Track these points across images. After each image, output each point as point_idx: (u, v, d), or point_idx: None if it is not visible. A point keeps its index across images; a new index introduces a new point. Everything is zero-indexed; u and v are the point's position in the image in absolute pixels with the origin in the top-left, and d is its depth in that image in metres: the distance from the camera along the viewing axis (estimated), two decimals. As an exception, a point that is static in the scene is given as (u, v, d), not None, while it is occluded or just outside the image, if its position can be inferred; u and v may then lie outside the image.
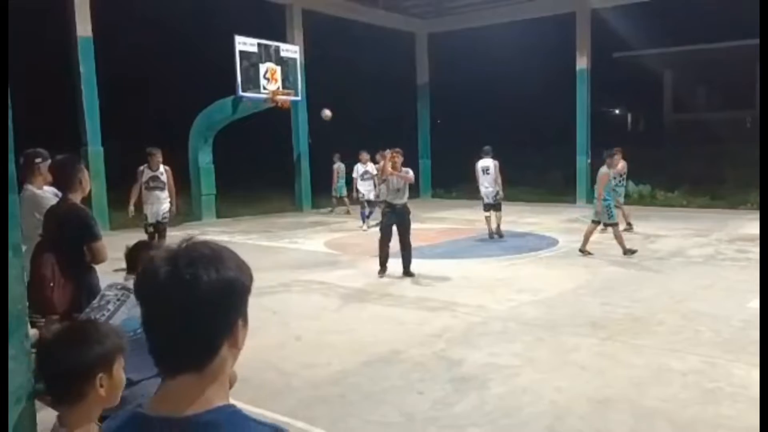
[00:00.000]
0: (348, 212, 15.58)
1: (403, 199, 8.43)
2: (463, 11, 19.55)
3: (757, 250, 10.33)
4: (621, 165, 11.61)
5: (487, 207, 11.80)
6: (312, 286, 8.06)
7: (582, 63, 18.11)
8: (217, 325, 1.05)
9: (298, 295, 7.58)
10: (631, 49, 24.89)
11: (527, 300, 7.12)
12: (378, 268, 8.53)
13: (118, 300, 3.19)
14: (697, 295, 7.29)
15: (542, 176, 20.29)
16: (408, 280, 8.37)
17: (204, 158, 14.63)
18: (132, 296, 3.17)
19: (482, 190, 11.79)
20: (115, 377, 1.75)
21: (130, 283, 3.25)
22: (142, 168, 9.00)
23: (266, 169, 16.87)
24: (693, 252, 10.28)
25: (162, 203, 8.88)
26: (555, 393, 4.45)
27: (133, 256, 3.39)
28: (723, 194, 17.45)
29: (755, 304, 6.70)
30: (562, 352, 5.36)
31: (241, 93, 12.87)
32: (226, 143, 15.18)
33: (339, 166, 15.71)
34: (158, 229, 8.89)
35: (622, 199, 11.95)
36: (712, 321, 6.14)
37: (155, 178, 8.93)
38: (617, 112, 35.79)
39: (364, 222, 13.22)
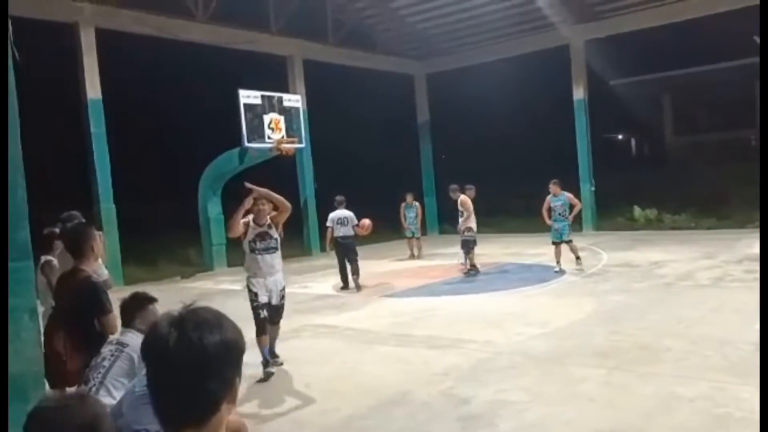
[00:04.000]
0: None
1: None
2: (459, 51, 20.01)
3: None
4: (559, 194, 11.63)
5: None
6: (320, 330, 8.15)
7: (579, 93, 18.40)
8: (220, 384, 1.16)
9: (307, 341, 7.65)
10: (628, 76, 25.25)
11: (535, 333, 7.17)
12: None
13: (112, 355, 3.32)
14: (704, 320, 7.31)
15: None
16: (417, 318, 8.43)
17: (213, 209, 14.89)
18: (126, 350, 3.29)
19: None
20: None
21: (126, 337, 3.37)
22: (246, 219, 6.20)
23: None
24: (700, 275, 10.29)
25: (277, 272, 6.32)
26: (563, 426, 4.49)
27: (128, 308, 3.49)
28: (730, 214, 17.44)
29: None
30: (570, 384, 5.40)
31: (246, 144, 13.17)
32: (234, 193, 15.45)
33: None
34: (273, 313, 6.33)
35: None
36: (720, 345, 6.15)
37: (264, 237, 6.19)
38: (620, 137, 36.02)
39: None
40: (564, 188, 11.99)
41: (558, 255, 11.51)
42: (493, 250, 14.67)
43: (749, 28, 16.23)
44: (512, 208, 21.05)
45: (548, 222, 11.70)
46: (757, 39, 15.92)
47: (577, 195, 18.53)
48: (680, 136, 30.64)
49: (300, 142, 14.54)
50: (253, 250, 6.18)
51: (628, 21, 17.28)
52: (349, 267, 11.01)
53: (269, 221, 6.25)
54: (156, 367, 1.16)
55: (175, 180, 19.66)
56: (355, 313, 9.20)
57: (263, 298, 6.20)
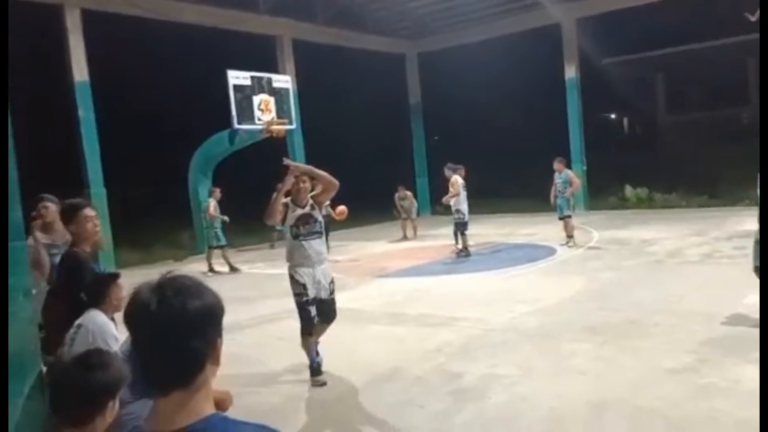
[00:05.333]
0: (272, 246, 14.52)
1: None
2: (450, 30, 19.90)
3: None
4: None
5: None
6: (315, 310, 8.21)
7: (571, 72, 18.39)
8: (202, 343, 1.21)
9: (303, 320, 7.71)
10: (620, 54, 25.22)
11: (525, 310, 7.26)
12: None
13: (71, 339, 3.37)
14: (692, 295, 7.42)
15: (540, 186, 20.45)
16: (410, 298, 8.51)
17: (204, 192, 14.84)
18: (81, 330, 3.34)
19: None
20: (114, 407, 1.90)
21: (85, 318, 3.41)
22: (285, 200, 5.33)
23: (266, 198, 17.08)
24: (690, 252, 10.41)
25: (325, 260, 5.52)
26: (553, 399, 4.58)
27: (92, 289, 3.52)
28: (721, 192, 17.56)
29: (751, 299, 6.82)
30: (560, 358, 5.50)
31: (236, 125, 13.13)
32: (225, 175, 15.40)
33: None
34: (326, 309, 5.47)
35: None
36: (706, 319, 6.26)
37: (307, 221, 5.34)
38: (613, 117, 36.04)
39: None
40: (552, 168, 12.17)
41: (566, 229, 11.97)
42: (485, 231, 14.76)
43: (740, 5, 16.24)
44: (505, 189, 21.14)
45: (551, 201, 12.15)
46: (749, 16, 15.98)
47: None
48: (672, 114, 30.72)
49: (290, 123, 14.50)
50: (297, 236, 5.29)
51: (619, -1, 17.24)
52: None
53: (311, 201, 5.39)
54: (139, 332, 1.21)
55: (166, 163, 19.57)
56: (349, 293, 9.23)
57: (312, 292, 5.30)
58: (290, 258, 5.37)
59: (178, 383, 1.20)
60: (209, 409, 1.22)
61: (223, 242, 12.18)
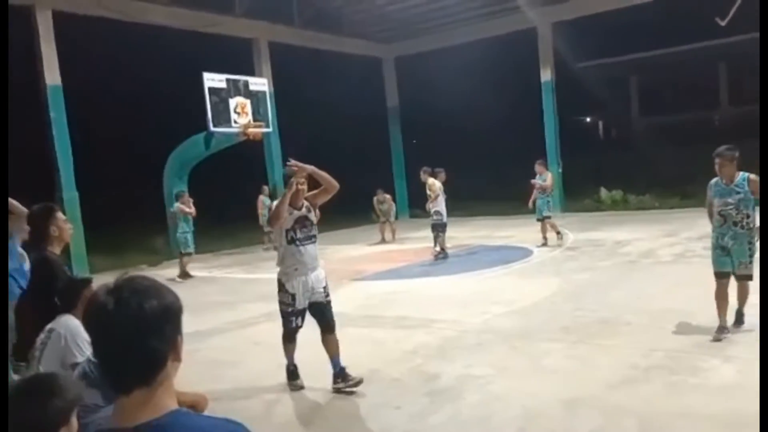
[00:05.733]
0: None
1: None
2: (427, 34, 19.97)
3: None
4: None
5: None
6: (292, 313, 8.18)
7: (546, 75, 18.58)
8: (161, 341, 1.23)
9: (279, 325, 7.66)
10: (595, 58, 25.57)
11: (501, 312, 7.31)
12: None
13: (42, 344, 3.33)
14: (664, 294, 7.53)
15: (517, 188, 20.62)
16: (388, 300, 8.52)
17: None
18: (53, 334, 3.31)
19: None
20: (72, 425, 1.74)
21: (57, 322, 3.38)
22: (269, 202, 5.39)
23: (242, 202, 16.97)
24: (663, 252, 10.57)
25: (319, 265, 5.22)
26: (527, 398, 4.62)
27: (65, 295, 3.50)
28: (694, 193, 17.80)
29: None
30: (535, 358, 5.54)
31: (212, 128, 13.04)
32: (200, 179, 15.27)
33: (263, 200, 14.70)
34: (323, 313, 5.18)
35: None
36: (678, 318, 6.35)
37: (304, 224, 5.07)
38: (588, 119, 36.49)
39: None
40: (532, 169, 12.32)
41: (554, 228, 12.26)
42: (463, 233, 14.83)
43: (712, 10, 16.54)
44: (482, 191, 21.27)
45: (530, 204, 12.47)
46: (720, 21, 16.29)
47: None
48: (645, 117, 31.21)
49: (267, 126, 14.43)
50: (292, 241, 4.94)
51: (594, 3, 17.45)
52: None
53: (306, 203, 5.08)
54: (99, 334, 1.23)
55: (140, 166, 19.37)
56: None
57: (301, 303, 5.02)
58: (282, 263, 5.05)
59: (139, 381, 1.21)
60: (172, 405, 1.24)
61: (191, 249, 11.93)
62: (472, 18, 18.88)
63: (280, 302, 5.11)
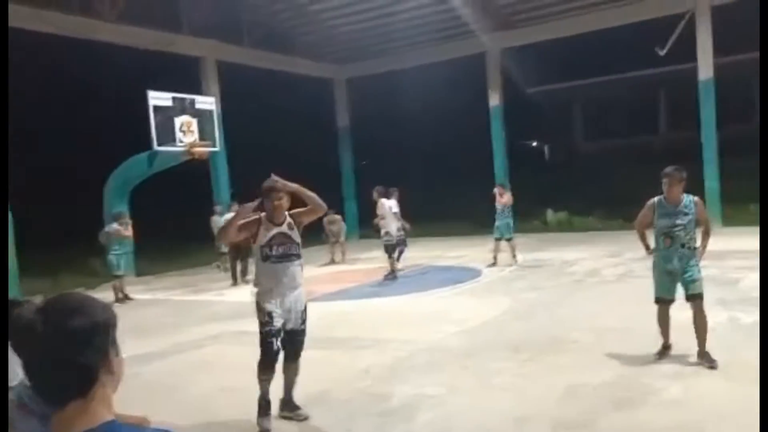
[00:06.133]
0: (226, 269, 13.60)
1: None
2: (379, 56, 20.16)
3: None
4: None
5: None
6: (240, 336, 7.95)
7: (495, 100, 18.97)
8: (93, 358, 1.22)
9: (227, 347, 7.47)
10: (542, 84, 26.30)
11: (452, 331, 7.30)
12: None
13: None
14: (609, 313, 7.68)
15: (466, 210, 20.88)
16: (338, 321, 8.41)
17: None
18: None
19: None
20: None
21: None
22: (256, 216, 4.79)
23: (188, 223, 16.57)
24: (607, 272, 10.83)
25: (299, 286, 4.87)
26: (478, 416, 4.60)
27: None
28: (635, 215, 18.37)
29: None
30: (485, 377, 5.54)
31: (156, 147, 12.73)
32: (143, 198, 14.85)
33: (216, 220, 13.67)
34: (293, 341, 4.82)
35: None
36: (622, 335, 6.48)
37: (283, 241, 4.75)
38: (535, 144, 37.35)
39: None
40: (481, 192, 12.52)
41: (512, 250, 12.50)
42: (414, 253, 14.80)
43: (652, 41, 17.28)
44: (434, 212, 21.39)
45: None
46: (659, 50, 17.01)
47: (492, 200, 19.21)
48: (589, 142, 32.20)
49: (214, 145, 14.19)
50: (267, 258, 4.66)
51: (541, 30, 17.97)
52: (240, 266, 12.58)
53: (289, 220, 4.78)
54: (29, 353, 1.22)
55: (77, 185, 18.72)
56: (274, 317, 9.07)
57: (278, 322, 4.64)
58: (258, 283, 4.75)
59: (73, 395, 1.21)
60: (107, 415, 1.23)
61: (121, 272, 11.42)
62: (423, 42, 19.17)
63: (259, 323, 4.70)
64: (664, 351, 5.62)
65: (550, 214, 19.64)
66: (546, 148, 37.11)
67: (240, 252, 12.18)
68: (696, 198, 5.51)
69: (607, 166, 23.66)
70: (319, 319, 8.57)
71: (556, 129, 32.15)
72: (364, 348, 6.86)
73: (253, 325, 8.40)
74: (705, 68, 16.10)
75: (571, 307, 8.12)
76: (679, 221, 5.39)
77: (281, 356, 4.78)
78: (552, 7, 17.43)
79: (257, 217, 4.69)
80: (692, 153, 16.95)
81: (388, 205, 11.74)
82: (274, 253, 4.66)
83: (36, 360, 1.22)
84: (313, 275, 13.48)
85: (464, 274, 11.67)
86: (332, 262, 15.10)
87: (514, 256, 12.45)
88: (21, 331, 1.21)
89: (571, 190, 21.37)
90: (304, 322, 4.83)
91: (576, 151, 32.38)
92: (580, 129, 33.19)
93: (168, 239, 17.77)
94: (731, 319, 6.81)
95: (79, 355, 1.20)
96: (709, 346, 5.38)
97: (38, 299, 1.30)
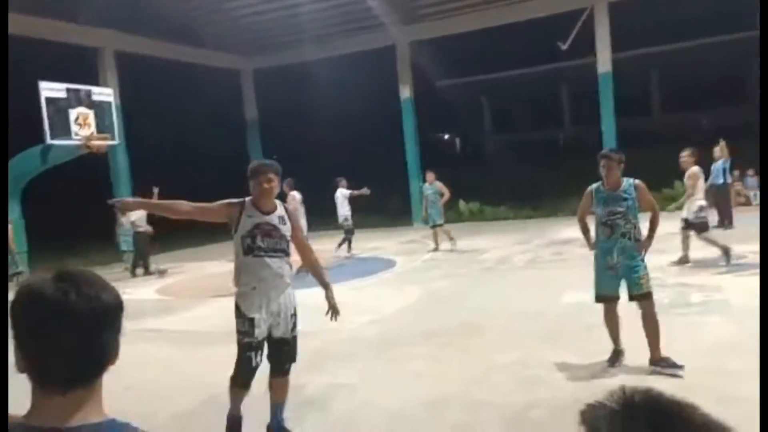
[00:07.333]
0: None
1: None
2: (287, 47, 19.86)
3: (570, 250, 11.45)
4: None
5: None
6: (144, 334, 7.61)
7: (405, 92, 19.13)
8: (112, 341, 1.14)
9: (128, 346, 6.98)
10: (451, 77, 26.80)
11: (367, 320, 7.29)
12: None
13: None
14: (518, 297, 7.93)
15: (381, 202, 21.00)
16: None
17: (12, 213, 13.31)
18: None
19: None
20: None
21: None
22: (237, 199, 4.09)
23: (86, 220, 15.72)
24: (516, 259, 11.17)
25: (287, 286, 4.15)
26: (392, 401, 4.60)
27: None
28: (543, 205, 19.14)
29: (568, 298, 7.42)
30: (400, 363, 5.56)
31: (50, 141, 11.93)
32: (38, 194, 13.92)
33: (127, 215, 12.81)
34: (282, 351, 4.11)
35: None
36: (531, 317, 6.69)
37: (270, 233, 3.98)
38: (446, 136, 38.08)
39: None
40: (395, 183, 12.59)
41: (434, 237, 13.00)
42: (330, 246, 14.74)
43: (557, 34, 17.97)
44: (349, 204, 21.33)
45: (423, 213, 13.25)
46: (561, 45, 17.71)
47: (407, 190, 19.44)
48: (498, 134, 33.21)
49: (113, 138, 13.48)
50: (249, 250, 3.90)
51: (448, 24, 18.27)
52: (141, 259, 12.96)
53: (282, 212, 4.04)
54: (38, 330, 1.08)
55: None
56: (183, 314, 8.78)
57: (260, 332, 3.94)
58: (238, 280, 3.98)
59: (81, 382, 1.11)
60: (103, 411, 1.15)
61: (21, 269, 10.98)
62: (330, 34, 19.00)
63: (237, 331, 3.97)
64: (616, 356, 4.94)
65: (462, 205, 20.05)
66: (457, 141, 37.95)
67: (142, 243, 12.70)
68: (637, 181, 4.91)
69: (515, 158, 24.46)
70: (230, 314, 8.37)
71: (466, 122, 32.91)
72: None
73: (159, 323, 8.14)
74: (604, 62, 16.89)
75: (483, 293, 8.32)
76: (618, 208, 4.82)
77: (264, 369, 4.10)
78: (458, 2, 17.75)
79: (240, 201, 3.98)
80: (594, 146, 17.80)
81: (299, 198, 11.61)
82: (258, 244, 3.90)
83: (51, 336, 1.08)
84: (225, 270, 13.06)
85: (379, 265, 11.73)
86: None
87: (450, 239, 12.94)
88: (44, 304, 1.07)
89: (482, 182, 21.92)
90: (294, 328, 4.14)
91: (485, 144, 33.31)
92: (489, 122, 34.16)
93: (66, 237, 16.82)
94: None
95: (104, 333, 1.11)
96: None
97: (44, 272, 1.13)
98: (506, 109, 33.55)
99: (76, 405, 1.11)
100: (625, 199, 4.82)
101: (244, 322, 3.92)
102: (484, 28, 18.16)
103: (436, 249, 12.87)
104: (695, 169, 8.82)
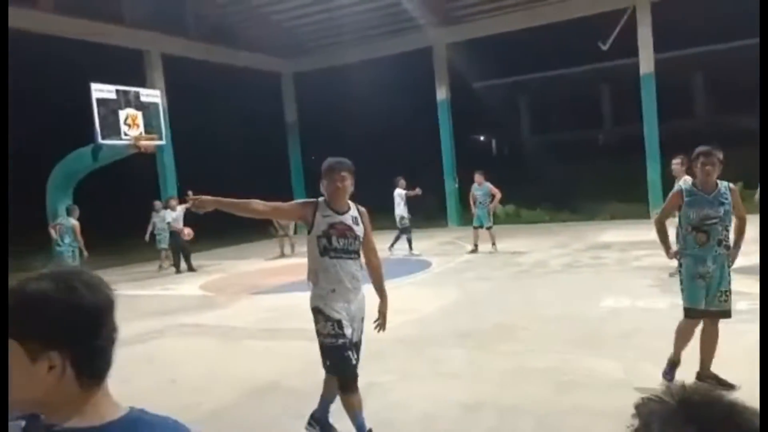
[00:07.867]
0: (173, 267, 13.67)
1: None
2: (326, 50, 20.08)
3: (609, 255, 11.32)
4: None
5: None
6: (186, 329, 7.85)
7: (442, 94, 19.14)
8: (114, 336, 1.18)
9: (172, 340, 7.36)
10: (488, 79, 26.67)
11: (402, 320, 7.31)
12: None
13: None
14: (555, 301, 7.88)
15: (417, 203, 21.02)
16: (288, 314, 8.36)
17: (64, 210, 13.80)
18: None
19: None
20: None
21: None
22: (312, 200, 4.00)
23: (133, 217, 16.16)
24: (554, 262, 11.08)
25: (361, 289, 4.03)
26: (427, 402, 4.65)
27: None
28: (581, 208, 18.92)
29: (607, 303, 7.38)
30: (435, 363, 5.61)
31: (100, 140, 12.37)
32: (88, 192, 14.40)
33: (163, 215, 13.74)
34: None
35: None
36: (568, 322, 6.66)
37: (345, 234, 3.87)
38: (482, 138, 37.85)
39: None
40: (430, 184, 12.65)
41: (475, 238, 12.94)
42: (381, 246, 14.87)
43: (595, 36, 17.74)
44: (384, 205, 21.41)
45: (473, 210, 13.17)
46: (602, 45, 17.47)
47: (442, 190, 19.44)
48: (535, 135, 32.86)
49: (160, 138, 13.89)
50: (325, 251, 3.78)
51: (486, 26, 18.21)
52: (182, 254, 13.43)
53: (355, 212, 3.95)
54: (100, 324, 1.12)
55: (16, 181, 17.96)
56: (222, 311, 8.97)
57: (350, 332, 3.86)
58: (316, 282, 3.85)
59: (105, 376, 1.16)
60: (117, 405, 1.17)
61: (77, 263, 11.39)
62: (369, 36, 19.14)
63: (323, 335, 3.82)
64: (673, 367, 4.65)
65: (498, 207, 19.94)
66: (493, 142, 37.68)
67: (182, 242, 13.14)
68: (732, 185, 4.50)
69: (553, 160, 24.18)
70: (266, 311, 8.60)
71: (502, 123, 32.64)
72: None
73: (200, 318, 8.35)
74: (646, 63, 16.62)
75: (520, 297, 8.29)
76: (714, 212, 4.36)
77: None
78: (495, 2, 17.67)
79: (314, 201, 3.89)
80: (635, 147, 17.51)
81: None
82: (334, 245, 3.78)
83: (104, 331, 1.12)
84: (261, 268, 13.43)
85: (415, 266, 11.77)
86: (282, 255, 14.99)
87: (493, 244, 12.83)
88: (78, 303, 1.06)
89: (518, 184, 21.73)
90: (362, 332, 4.08)
91: (522, 146, 32.99)
92: (527, 123, 33.83)
93: (114, 234, 17.31)
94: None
95: (114, 329, 1.15)
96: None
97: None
98: (544, 111, 33.16)
99: (100, 401, 1.15)
100: (722, 204, 4.37)
101: (333, 325, 3.79)
102: (522, 29, 18.05)
103: (474, 250, 12.85)
104: (687, 179, 8.58)
